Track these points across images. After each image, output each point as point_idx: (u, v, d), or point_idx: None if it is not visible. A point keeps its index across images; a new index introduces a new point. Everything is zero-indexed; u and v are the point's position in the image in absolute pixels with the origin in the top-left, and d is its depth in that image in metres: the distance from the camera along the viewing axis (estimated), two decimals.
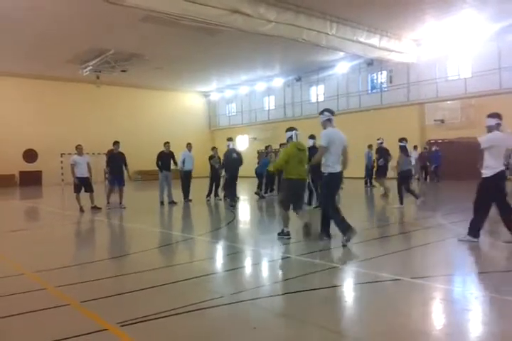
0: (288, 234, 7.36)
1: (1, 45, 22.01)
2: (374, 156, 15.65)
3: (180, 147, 14.61)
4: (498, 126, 6.61)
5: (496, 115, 6.79)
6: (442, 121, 23.28)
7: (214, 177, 14.40)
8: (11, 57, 24.52)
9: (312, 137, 11.47)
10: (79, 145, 12.45)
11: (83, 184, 12.17)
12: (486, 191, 6.55)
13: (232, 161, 13.17)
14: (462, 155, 17.97)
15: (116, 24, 19.01)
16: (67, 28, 19.50)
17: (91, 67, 25.71)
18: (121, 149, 13.21)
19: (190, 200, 13.98)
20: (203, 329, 3.58)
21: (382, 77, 27.30)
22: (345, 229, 6.52)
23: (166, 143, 13.91)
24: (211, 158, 14.48)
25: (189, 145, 14.39)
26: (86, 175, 12.21)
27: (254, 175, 16.12)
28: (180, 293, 4.54)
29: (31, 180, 29.05)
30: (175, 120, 35.65)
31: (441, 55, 23.45)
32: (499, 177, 6.46)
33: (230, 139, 13.82)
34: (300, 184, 7.41)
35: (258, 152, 32.48)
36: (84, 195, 12.31)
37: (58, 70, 27.78)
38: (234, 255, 6.54)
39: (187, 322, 3.73)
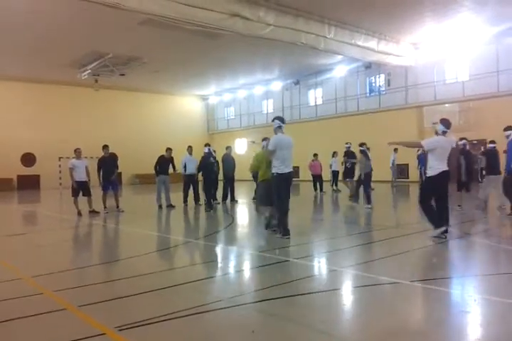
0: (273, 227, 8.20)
1: (0, 48, 22.01)
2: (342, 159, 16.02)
3: (179, 151, 14.56)
4: (444, 133, 7.39)
5: (446, 122, 7.52)
6: None
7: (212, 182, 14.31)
8: (9, 60, 24.53)
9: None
10: (78, 148, 12.39)
11: (81, 188, 12.12)
12: (429, 189, 7.35)
13: (209, 165, 13.19)
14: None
15: (115, 28, 19.04)
16: (66, 31, 19.53)
17: (89, 71, 25.73)
18: (115, 151, 13.16)
19: (201, 204, 13.79)
20: (202, 333, 3.56)
21: (380, 80, 27.37)
22: (282, 227, 7.55)
23: (168, 149, 13.80)
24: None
25: (190, 149, 14.21)
26: (84, 179, 12.14)
27: (252, 179, 15.99)
28: (179, 297, 4.52)
29: (29, 184, 29.01)
30: (173, 123, 35.67)
31: (439, 58, 23.52)
32: (442, 177, 7.06)
33: (207, 144, 13.80)
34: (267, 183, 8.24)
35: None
36: (81, 199, 12.27)
37: (57, 74, 27.79)
38: (232, 258, 6.52)
39: (185, 326, 3.71)
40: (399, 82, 25.54)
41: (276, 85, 32.42)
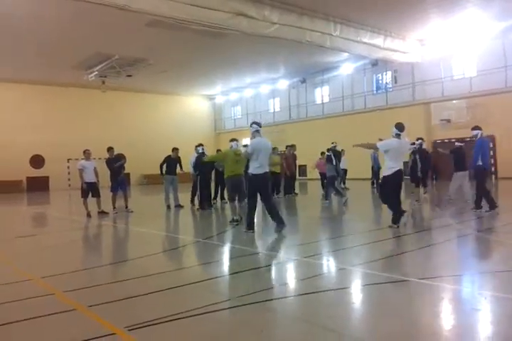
0: (236, 220, 9.27)
1: (7, 51, 22.21)
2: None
3: (187, 151, 14.52)
4: (397, 136, 8.14)
5: (400, 126, 8.24)
6: (449, 120, 23.17)
7: (219, 181, 14.26)
8: (17, 63, 24.73)
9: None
10: (87, 149, 12.40)
11: (91, 189, 12.17)
12: (386, 186, 8.16)
13: (203, 165, 12.93)
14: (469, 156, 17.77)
15: (121, 29, 19.13)
16: (73, 33, 19.64)
17: (96, 73, 25.87)
18: (123, 152, 13.21)
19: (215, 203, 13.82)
20: (211, 333, 3.57)
21: (387, 77, 27.27)
22: (248, 221, 8.21)
23: (175, 149, 13.76)
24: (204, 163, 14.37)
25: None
26: (94, 180, 12.17)
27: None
28: (188, 297, 4.53)
29: (38, 186, 29.25)
30: (180, 124, 35.76)
31: (446, 54, 23.38)
32: (396, 175, 7.89)
33: (200, 145, 13.60)
34: (236, 179, 9.37)
35: None
36: (90, 200, 12.32)
37: (64, 76, 27.98)
38: (240, 258, 6.52)
39: (194, 326, 3.71)
40: (406, 79, 25.43)
41: (283, 84, 32.39)
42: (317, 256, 6.26)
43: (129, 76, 26.98)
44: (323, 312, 3.97)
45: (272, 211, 8.42)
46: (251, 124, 8.71)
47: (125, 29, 19.07)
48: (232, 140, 10.26)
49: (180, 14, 14.38)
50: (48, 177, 30.17)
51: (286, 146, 16.56)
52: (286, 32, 17.31)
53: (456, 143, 12.47)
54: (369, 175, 20.40)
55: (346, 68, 28.01)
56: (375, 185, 19.47)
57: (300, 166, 24.31)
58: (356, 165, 20.07)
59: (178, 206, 13.51)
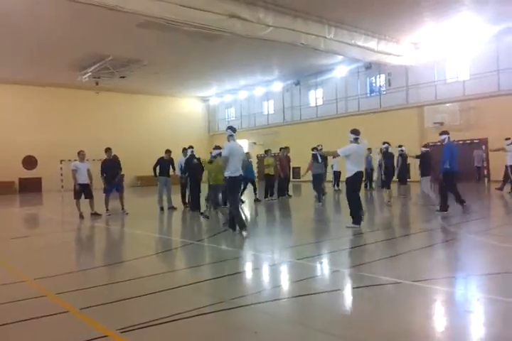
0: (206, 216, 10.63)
1: (0, 52, 22.06)
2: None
3: (180, 153, 14.47)
4: (355, 141, 8.69)
5: (356, 131, 8.80)
6: (442, 123, 23.27)
7: None
8: (10, 64, 24.61)
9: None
10: (81, 151, 12.35)
11: (83, 190, 12.11)
12: (350, 188, 8.80)
13: (194, 167, 12.99)
14: (461, 158, 17.92)
15: (115, 30, 19.09)
16: (66, 34, 19.58)
17: (90, 74, 25.80)
18: (116, 153, 13.17)
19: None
20: (204, 335, 3.56)
21: (380, 80, 27.38)
22: (241, 224, 8.39)
23: (168, 151, 13.74)
24: (210, 162, 14.39)
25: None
26: (86, 181, 12.10)
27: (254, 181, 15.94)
28: (181, 299, 4.52)
29: (31, 187, 29.10)
30: (174, 125, 35.72)
31: (440, 57, 23.52)
32: (357, 177, 8.61)
33: (190, 147, 13.61)
34: (221, 186, 9.91)
35: (258, 157, 32.48)
36: (83, 202, 12.26)
37: (57, 77, 27.88)
38: (233, 260, 6.51)
39: (187, 328, 3.70)
40: (399, 82, 25.54)
41: (277, 86, 32.44)
42: (310, 258, 6.26)
43: (123, 77, 26.92)
44: (316, 314, 3.98)
45: (233, 213, 8.82)
46: (226, 129, 9.05)
47: (119, 30, 19.03)
48: (216, 147, 11.01)
49: (172, 15, 14.37)
50: (40, 179, 30.01)
51: (280, 148, 16.58)
52: (280, 34, 17.34)
53: (423, 149, 12.92)
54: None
55: (340, 71, 28.10)
56: (368, 187, 19.52)
57: (294, 168, 24.33)
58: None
59: (172, 208, 13.48)
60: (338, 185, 19.07)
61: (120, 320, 3.86)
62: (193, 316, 3.88)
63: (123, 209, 12.77)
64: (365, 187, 19.83)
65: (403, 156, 14.54)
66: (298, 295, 4.45)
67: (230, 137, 8.87)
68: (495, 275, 5.06)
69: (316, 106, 30.82)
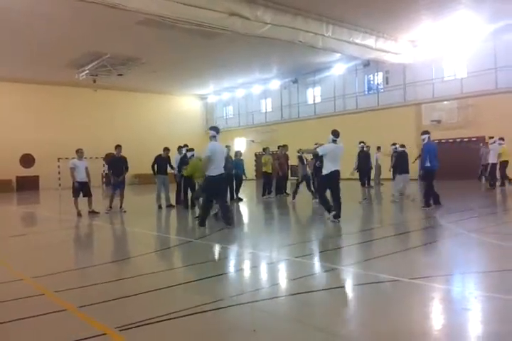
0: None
1: None
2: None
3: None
4: (334, 141, 9.29)
5: (335, 133, 9.40)
6: (439, 121, 23.32)
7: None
8: (7, 62, 24.50)
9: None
10: (80, 149, 12.30)
11: (82, 188, 12.10)
12: (324, 184, 9.50)
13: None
14: (457, 156, 18.02)
15: (113, 28, 19.02)
16: (63, 32, 19.51)
17: (87, 71, 25.71)
18: (114, 151, 13.18)
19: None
20: (203, 333, 3.57)
21: (378, 78, 27.37)
22: (203, 220, 9.08)
23: (166, 149, 13.73)
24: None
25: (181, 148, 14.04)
26: (85, 179, 12.09)
27: (244, 178, 15.95)
28: (179, 297, 4.53)
29: (28, 185, 29.01)
30: (172, 123, 35.68)
31: (437, 55, 23.52)
32: (333, 175, 9.14)
33: (184, 145, 13.73)
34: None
35: (256, 155, 32.52)
36: (82, 200, 12.25)
37: (55, 75, 27.77)
38: (232, 258, 6.53)
39: (186, 326, 3.71)
40: (397, 80, 25.54)
41: (275, 84, 32.42)
42: (308, 256, 6.28)
43: (120, 75, 26.82)
44: (314, 312, 3.99)
45: (224, 209, 9.14)
46: (209, 129, 9.40)
47: (116, 28, 18.96)
48: (190, 149, 11.67)
49: (171, 13, 14.33)
50: (38, 177, 29.94)
51: (278, 146, 16.58)
52: (278, 32, 17.30)
53: (399, 148, 13.54)
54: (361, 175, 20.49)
55: (338, 69, 28.09)
56: (366, 185, 19.55)
57: (292, 166, 24.35)
58: (349, 165, 20.11)
59: (170, 206, 13.48)
60: None
61: (118, 318, 3.87)
62: (192, 314, 3.89)
63: (121, 207, 12.78)
64: (363, 184, 19.87)
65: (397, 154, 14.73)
66: (296, 293, 4.47)
67: (213, 138, 9.11)
68: (492, 273, 5.09)
69: (314, 104, 30.80)
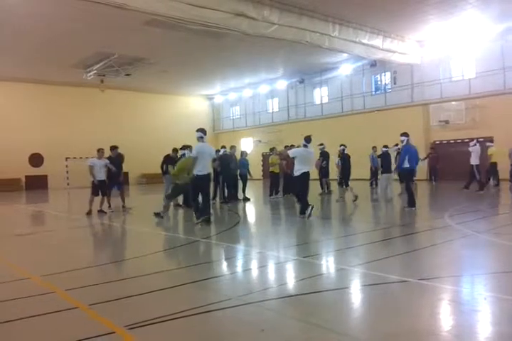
0: (159, 214, 10.70)
1: (6, 50, 22.17)
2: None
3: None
4: (305, 146, 10.30)
5: (307, 138, 10.44)
6: (447, 121, 23.22)
7: (217, 181, 14.44)
8: (16, 62, 24.69)
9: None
10: (101, 148, 12.58)
11: (100, 187, 12.31)
12: (298, 184, 10.48)
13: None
14: (459, 157, 17.97)
15: (120, 28, 19.11)
16: (71, 32, 19.62)
17: (95, 72, 25.84)
18: (122, 151, 13.27)
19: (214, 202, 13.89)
20: (211, 332, 3.58)
21: (385, 78, 27.28)
22: (199, 215, 9.61)
23: (175, 150, 13.81)
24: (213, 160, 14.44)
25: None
26: (103, 177, 12.37)
27: (249, 177, 15.98)
28: (188, 296, 4.54)
29: (37, 184, 29.22)
30: (179, 123, 35.71)
31: (445, 55, 23.43)
32: (303, 176, 10.05)
33: (185, 147, 13.64)
34: (185, 186, 10.42)
35: (263, 155, 32.51)
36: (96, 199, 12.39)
37: (62, 75, 27.93)
38: (240, 257, 6.54)
39: (195, 325, 3.73)
40: (405, 80, 25.45)
41: (281, 84, 32.40)
42: (316, 256, 6.28)
43: (128, 75, 26.94)
44: (323, 313, 3.98)
45: (205, 207, 9.74)
46: (196, 131, 9.72)
47: (125, 28, 19.05)
48: (184, 147, 11.51)
49: (178, 13, 14.37)
50: (46, 176, 30.13)
51: (286, 146, 16.58)
52: (285, 32, 17.31)
53: (383, 149, 14.23)
54: (368, 175, 20.45)
55: (345, 69, 28.03)
56: (373, 186, 19.51)
57: None
58: (355, 165, 20.06)
59: (177, 205, 13.52)
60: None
61: (128, 316, 3.89)
62: (200, 313, 3.90)
63: (124, 206, 12.88)
64: (371, 184, 19.84)
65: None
66: (304, 293, 4.47)
67: (200, 139, 9.59)
68: (502, 274, 5.06)
69: (321, 104, 30.75)
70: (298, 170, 10.08)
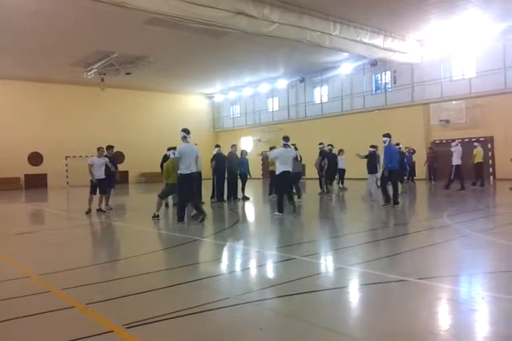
0: (157, 216, 10.56)
1: (5, 48, 22.14)
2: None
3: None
4: (285, 145, 10.70)
5: (286, 138, 10.79)
6: (447, 121, 23.21)
7: (216, 180, 14.45)
8: (16, 60, 24.66)
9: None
10: (100, 147, 12.61)
11: (99, 185, 12.31)
12: (278, 182, 11.04)
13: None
14: (466, 156, 17.95)
15: (121, 27, 19.08)
16: (71, 31, 19.59)
17: (95, 70, 25.80)
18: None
19: (203, 203, 13.85)
20: (209, 331, 3.58)
21: (386, 77, 27.24)
22: (179, 214, 9.67)
23: (174, 148, 13.76)
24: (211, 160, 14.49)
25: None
26: (102, 176, 12.38)
27: (248, 177, 15.97)
28: (186, 295, 4.53)
29: (36, 183, 29.21)
30: (179, 122, 35.46)
31: (446, 54, 23.40)
32: (284, 174, 10.49)
33: (171, 148, 13.62)
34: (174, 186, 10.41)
35: (263, 154, 32.41)
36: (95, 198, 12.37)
37: (63, 73, 27.89)
38: (239, 256, 6.54)
39: (193, 324, 3.72)
40: (405, 79, 25.42)
41: (282, 83, 32.37)
42: (315, 255, 6.27)
43: (128, 74, 26.92)
44: (321, 312, 3.98)
45: (196, 206, 10.04)
46: (180, 131, 9.94)
47: (125, 27, 19.02)
48: (170, 149, 11.51)
49: (178, 12, 14.34)
50: (45, 175, 30.12)
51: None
52: (286, 31, 17.27)
53: (370, 149, 14.20)
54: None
55: (345, 68, 27.99)
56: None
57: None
58: (356, 165, 20.07)
59: (166, 206, 13.49)
60: (342, 183, 19.01)
61: (126, 315, 3.88)
62: (199, 312, 3.90)
63: (107, 204, 12.92)
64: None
65: (401, 154, 15.10)
66: (303, 292, 4.46)
67: (184, 139, 9.78)
68: (500, 274, 5.06)
69: (321, 103, 30.73)
70: (279, 170, 10.50)
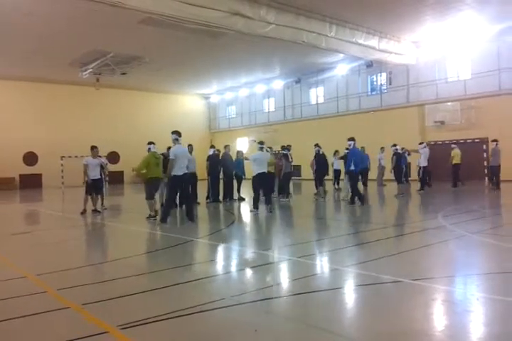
0: (153, 216, 10.49)
1: (1, 48, 22.04)
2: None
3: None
4: (261, 149, 11.82)
5: (261, 142, 11.94)
6: (442, 122, 23.29)
7: (211, 181, 14.50)
8: (10, 60, 24.57)
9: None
10: (94, 146, 12.50)
11: (94, 185, 12.26)
12: (255, 184, 11.63)
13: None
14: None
15: (116, 27, 19.05)
16: (67, 31, 19.54)
17: (91, 70, 25.74)
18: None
19: (198, 203, 13.85)
20: (204, 332, 3.58)
21: (381, 78, 27.32)
22: (163, 215, 9.89)
23: (168, 149, 13.75)
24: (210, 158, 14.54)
25: (190, 147, 14.19)
26: (98, 176, 12.36)
27: (243, 178, 15.94)
28: (181, 296, 4.53)
29: (31, 183, 29.11)
30: (175, 122, 35.43)
31: (441, 56, 23.49)
32: (261, 176, 11.34)
33: (151, 143, 13.38)
34: (156, 181, 10.78)
35: None
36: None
37: (58, 73, 27.83)
38: (234, 257, 6.54)
39: (188, 325, 3.72)
40: (400, 81, 25.50)
41: (278, 84, 32.40)
42: (310, 256, 6.28)
43: (124, 74, 26.86)
44: (316, 313, 3.99)
45: (188, 207, 10.08)
46: (171, 133, 10.03)
47: (119, 27, 18.98)
48: (150, 143, 11.33)
49: (174, 12, 14.33)
50: (40, 175, 30.01)
51: (282, 146, 16.58)
52: (282, 32, 17.30)
53: (346, 151, 14.42)
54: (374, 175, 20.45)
55: (341, 69, 28.05)
56: (382, 186, 19.71)
57: (294, 166, 24.36)
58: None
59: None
60: (338, 184, 19.03)
61: (121, 316, 3.88)
62: (194, 313, 3.90)
63: (95, 205, 12.77)
64: (380, 184, 20.06)
65: (397, 155, 15.61)
66: (298, 293, 4.47)
67: (176, 141, 9.88)
68: (495, 275, 5.08)
69: (317, 104, 30.78)
70: (255, 171, 11.34)
